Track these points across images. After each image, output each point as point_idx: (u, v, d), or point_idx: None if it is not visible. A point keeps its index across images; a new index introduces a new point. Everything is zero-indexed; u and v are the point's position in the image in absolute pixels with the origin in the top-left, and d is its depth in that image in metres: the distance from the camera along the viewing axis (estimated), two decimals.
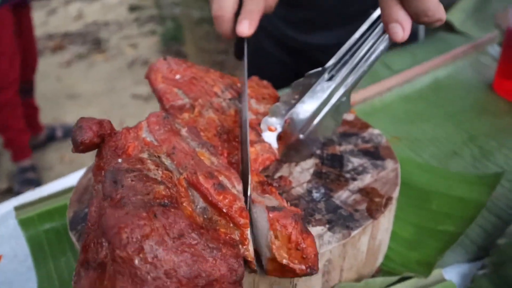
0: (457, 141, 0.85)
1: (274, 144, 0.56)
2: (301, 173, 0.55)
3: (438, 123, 0.90)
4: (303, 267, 0.38)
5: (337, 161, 0.57)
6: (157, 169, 0.40)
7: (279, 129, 0.56)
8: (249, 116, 0.57)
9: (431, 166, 0.77)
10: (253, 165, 0.50)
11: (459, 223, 0.63)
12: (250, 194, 0.43)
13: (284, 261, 0.38)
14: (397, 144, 0.85)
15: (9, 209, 0.72)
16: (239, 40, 0.62)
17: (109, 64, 3.63)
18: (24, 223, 0.68)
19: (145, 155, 0.42)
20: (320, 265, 0.46)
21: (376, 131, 0.63)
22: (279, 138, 0.56)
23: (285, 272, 0.39)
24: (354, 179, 0.53)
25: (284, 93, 0.56)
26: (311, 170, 0.55)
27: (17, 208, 0.70)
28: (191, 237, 0.34)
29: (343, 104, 0.54)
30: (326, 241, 0.45)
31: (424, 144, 0.85)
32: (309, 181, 0.53)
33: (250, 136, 0.53)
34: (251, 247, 0.40)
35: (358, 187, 0.52)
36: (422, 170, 0.75)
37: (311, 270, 0.38)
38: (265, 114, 0.57)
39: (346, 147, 0.59)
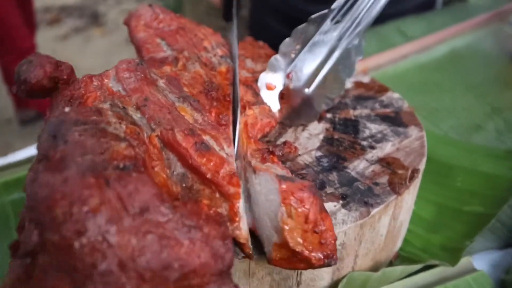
0: (479, 113, 0.76)
1: (275, 105, 0.46)
2: (309, 139, 0.46)
3: (458, 94, 0.81)
4: (320, 255, 0.29)
5: (351, 126, 0.48)
6: (120, 123, 0.30)
7: (280, 87, 0.47)
8: (245, 74, 0.48)
9: (452, 139, 0.68)
10: (251, 132, 0.41)
11: (488, 204, 0.54)
12: (242, 158, 0.35)
13: (298, 248, 0.29)
14: (412, 108, 0.76)
15: None
16: (228, 1, 0.55)
17: (107, 39, 3.50)
18: None
19: (106, 105, 0.32)
20: None
21: (396, 95, 0.54)
22: (281, 97, 0.47)
23: (296, 261, 0.30)
24: (372, 148, 0.45)
25: (283, 43, 0.46)
26: (321, 136, 0.46)
27: None
28: (159, 211, 0.24)
29: (356, 49, 0.44)
30: (340, 221, 0.36)
31: (443, 115, 0.76)
32: (318, 148, 0.44)
33: (247, 96, 0.44)
34: (243, 225, 0.30)
35: (378, 157, 0.43)
36: (443, 142, 0.66)
37: (330, 260, 0.29)
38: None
39: (361, 111, 0.50)
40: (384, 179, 0.41)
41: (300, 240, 0.29)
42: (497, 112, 0.76)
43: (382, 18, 1.02)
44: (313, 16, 0.45)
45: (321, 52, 0.44)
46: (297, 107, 0.46)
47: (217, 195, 0.30)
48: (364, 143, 0.45)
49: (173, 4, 3.70)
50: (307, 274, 0.38)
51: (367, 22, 0.44)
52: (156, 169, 0.30)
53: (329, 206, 0.37)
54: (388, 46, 0.94)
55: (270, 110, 0.45)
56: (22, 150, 0.69)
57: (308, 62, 0.45)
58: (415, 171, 0.42)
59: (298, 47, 0.46)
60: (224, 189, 0.30)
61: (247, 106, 0.42)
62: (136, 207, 0.24)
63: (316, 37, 0.45)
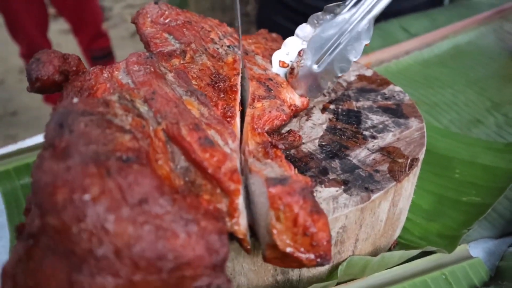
0: (479, 108, 0.77)
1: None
2: (313, 129, 0.47)
3: (459, 89, 0.83)
4: (312, 256, 0.30)
5: (354, 117, 0.49)
6: (126, 115, 0.31)
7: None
8: (257, 71, 0.49)
9: (452, 132, 0.70)
10: (257, 123, 0.42)
11: (485, 194, 0.56)
12: (244, 156, 0.36)
13: (288, 250, 0.30)
14: (413, 101, 0.77)
15: None
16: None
17: (112, 33, 3.52)
18: (0, 177, 0.61)
19: (114, 98, 0.33)
20: (334, 232, 0.39)
21: (397, 88, 0.56)
22: (290, 71, 0.49)
23: (289, 261, 0.31)
24: (374, 137, 0.46)
25: (300, 27, 0.50)
26: (324, 126, 0.48)
27: None
28: (158, 203, 0.25)
29: (365, 33, 0.47)
30: (341, 204, 0.38)
31: (444, 109, 0.77)
32: (321, 137, 0.46)
33: (259, 91, 0.45)
34: (243, 220, 0.31)
35: (379, 146, 0.45)
36: (443, 135, 0.68)
37: (323, 260, 0.30)
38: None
39: (364, 103, 0.52)
40: (384, 167, 0.42)
41: (289, 242, 0.30)
42: (497, 107, 0.77)
43: (390, 14, 1.04)
44: (329, 5, 0.49)
45: (333, 34, 0.47)
46: (304, 82, 0.49)
47: (218, 190, 0.31)
48: (366, 133, 0.47)
49: (178, 1, 3.72)
50: None
51: (379, 9, 0.47)
52: (159, 162, 0.30)
53: (331, 191, 0.39)
54: (391, 42, 0.95)
55: (281, 104, 0.45)
56: (32, 138, 0.71)
57: (320, 42, 0.48)
58: (414, 160, 0.44)
59: (313, 31, 0.50)
60: (224, 185, 0.30)
61: (256, 99, 0.44)
62: (135, 198, 0.25)
63: (331, 20, 0.48)
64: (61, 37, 3.50)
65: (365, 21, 0.46)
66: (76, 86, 0.34)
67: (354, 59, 0.47)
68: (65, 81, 0.35)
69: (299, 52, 0.48)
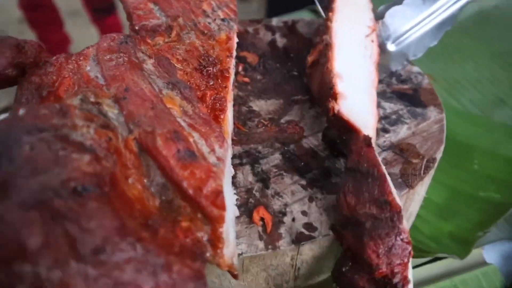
0: (504, 86, 0.70)
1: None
2: (316, 118, 0.42)
3: (483, 63, 0.75)
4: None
5: None
6: (88, 126, 0.25)
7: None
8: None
9: (473, 115, 0.64)
10: None
11: (506, 191, 0.50)
12: None
13: None
14: (432, 85, 0.71)
15: None
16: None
17: None
18: None
19: (75, 101, 0.27)
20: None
21: (415, 69, 0.49)
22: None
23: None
24: (386, 131, 0.41)
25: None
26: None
27: None
28: (118, 250, 0.20)
29: (451, 18, 0.42)
30: None
31: (465, 87, 0.70)
32: (326, 129, 0.40)
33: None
34: (227, 251, 0.26)
35: (391, 142, 0.40)
36: (462, 119, 0.62)
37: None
38: None
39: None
40: (396, 169, 0.37)
41: None
42: None
43: None
44: None
45: (420, 12, 0.42)
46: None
47: (199, 214, 0.25)
48: (378, 125, 0.41)
49: None
50: (305, 269, 0.35)
51: None
52: (130, 179, 0.25)
53: (332, 198, 0.34)
54: None
55: None
56: None
57: (400, 18, 0.42)
58: (431, 160, 0.38)
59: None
60: (206, 210, 0.25)
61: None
62: (88, 247, 0.19)
63: None
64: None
65: (457, 5, 0.40)
66: (33, 83, 0.28)
67: (431, 45, 0.42)
68: (21, 75, 0.30)
69: (374, 24, 0.42)
